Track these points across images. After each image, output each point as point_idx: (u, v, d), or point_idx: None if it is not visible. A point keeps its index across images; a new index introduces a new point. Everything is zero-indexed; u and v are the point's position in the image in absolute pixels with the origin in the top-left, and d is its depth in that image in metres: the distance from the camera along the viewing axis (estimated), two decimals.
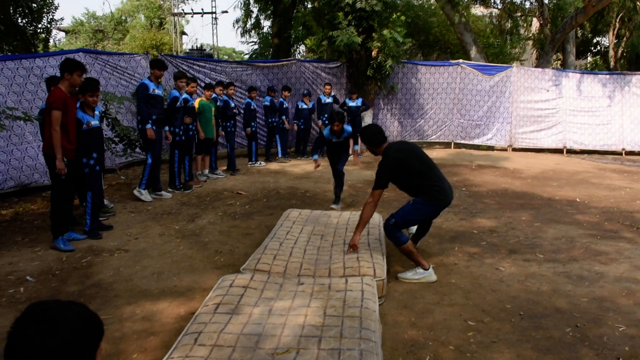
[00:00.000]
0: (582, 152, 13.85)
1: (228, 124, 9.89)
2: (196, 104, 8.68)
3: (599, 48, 24.36)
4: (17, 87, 8.04)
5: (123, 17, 33.66)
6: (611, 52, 22.27)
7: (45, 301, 1.30)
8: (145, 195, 7.54)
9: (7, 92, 7.89)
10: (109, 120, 7.65)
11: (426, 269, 4.53)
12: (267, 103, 11.37)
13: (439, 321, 3.75)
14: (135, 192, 7.58)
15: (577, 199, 7.90)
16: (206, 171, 9.49)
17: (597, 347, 3.37)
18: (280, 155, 11.87)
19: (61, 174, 5.21)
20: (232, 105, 9.94)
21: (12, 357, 1.19)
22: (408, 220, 4.57)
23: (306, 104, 11.94)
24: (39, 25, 13.89)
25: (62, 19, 17.29)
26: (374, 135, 4.69)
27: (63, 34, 32.82)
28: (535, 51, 22.14)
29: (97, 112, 6.05)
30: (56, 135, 5.13)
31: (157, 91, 7.35)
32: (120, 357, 3.27)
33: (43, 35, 14.53)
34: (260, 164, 11.06)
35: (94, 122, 5.87)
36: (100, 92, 6.22)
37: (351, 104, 12.05)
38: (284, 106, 11.80)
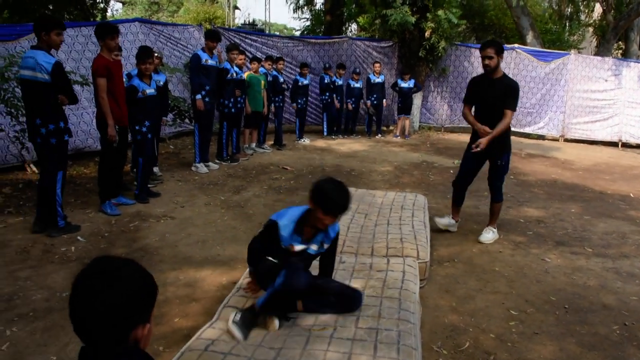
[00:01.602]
0: (639, 146, 13.29)
1: (277, 98, 9.91)
2: (245, 77, 8.73)
3: None
4: (75, 54, 8.25)
5: None
6: None
7: (108, 256, 1.35)
8: (200, 168, 7.69)
9: (66, 58, 8.11)
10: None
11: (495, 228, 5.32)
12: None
13: (481, 308, 3.70)
14: (192, 168, 7.75)
15: (631, 194, 7.60)
16: (253, 144, 9.58)
17: None
18: (325, 133, 11.85)
19: (112, 140, 5.34)
20: (281, 80, 9.95)
21: (75, 306, 1.23)
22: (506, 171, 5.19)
23: (356, 82, 11.81)
24: None
25: None
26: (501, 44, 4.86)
27: (120, 4, 33.45)
28: (595, 39, 21.18)
29: (157, 80, 6.17)
30: (104, 103, 5.22)
31: (210, 62, 7.43)
32: (162, 319, 3.37)
33: (101, 6, 14.85)
34: (304, 141, 11.07)
35: (149, 91, 5.99)
36: (155, 59, 6.37)
37: (403, 84, 11.85)
38: (337, 84, 11.62)
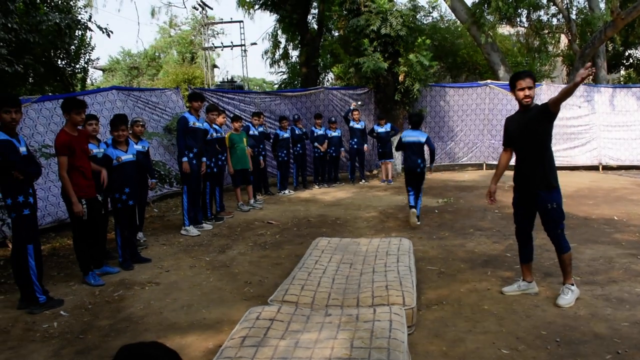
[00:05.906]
0: (619, 168, 13.47)
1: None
2: (226, 137, 8.85)
3: (631, 61, 23.77)
4: (54, 126, 8.30)
5: (157, 54, 34.71)
6: None
7: (134, 344, 1.39)
8: (191, 230, 7.62)
9: (45, 131, 8.17)
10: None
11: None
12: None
13: (471, 350, 3.64)
14: (182, 231, 7.64)
15: (615, 217, 7.65)
16: (251, 201, 9.62)
17: None
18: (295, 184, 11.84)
19: (80, 215, 5.26)
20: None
21: None
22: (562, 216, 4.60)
23: (334, 131, 11.94)
24: (77, 66, 14.38)
25: (98, 58, 17.91)
26: None
27: (100, 72, 33.97)
28: (565, 67, 21.77)
29: (138, 147, 6.35)
30: (64, 181, 5.18)
31: (197, 124, 7.55)
32: None
33: (81, 75, 15.05)
34: (286, 192, 11.12)
35: (126, 157, 6.04)
36: (138, 126, 6.80)
37: (380, 129, 12.02)
38: (317, 134, 11.73)
